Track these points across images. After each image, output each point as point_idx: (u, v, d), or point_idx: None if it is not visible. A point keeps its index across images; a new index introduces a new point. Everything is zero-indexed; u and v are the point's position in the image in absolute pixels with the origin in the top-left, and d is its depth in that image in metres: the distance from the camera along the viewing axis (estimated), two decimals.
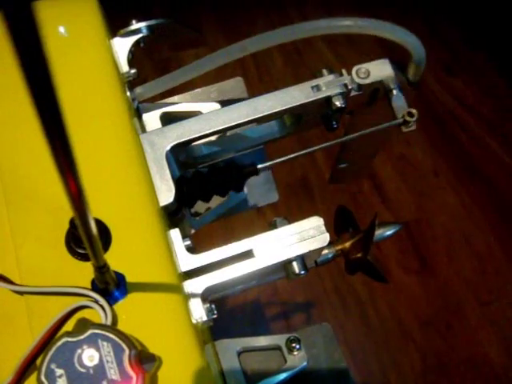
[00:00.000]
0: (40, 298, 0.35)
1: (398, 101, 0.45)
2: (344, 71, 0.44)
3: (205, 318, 0.38)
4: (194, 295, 0.38)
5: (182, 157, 0.43)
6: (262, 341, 0.45)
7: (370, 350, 1.23)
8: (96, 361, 0.30)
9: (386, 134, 0.51)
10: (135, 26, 0.46)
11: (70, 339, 0.30)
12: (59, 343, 0.30)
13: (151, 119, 0.45)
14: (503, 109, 1.53)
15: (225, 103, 0.47)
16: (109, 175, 0.38)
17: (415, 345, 1.25)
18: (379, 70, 0.44)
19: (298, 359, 0.44)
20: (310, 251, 0.40)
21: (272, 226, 0.42)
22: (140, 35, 0.46)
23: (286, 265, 0.42)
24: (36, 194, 0.38)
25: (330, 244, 0.50)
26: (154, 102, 0.48)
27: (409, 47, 0.42)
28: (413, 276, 1.32)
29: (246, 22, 1.65)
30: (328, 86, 0.43)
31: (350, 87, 0.44)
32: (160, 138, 0.41)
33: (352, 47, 1.59)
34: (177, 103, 0.47)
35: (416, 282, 1.31)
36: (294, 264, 0.41)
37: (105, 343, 0.30)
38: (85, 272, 0.36)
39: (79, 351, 0.30)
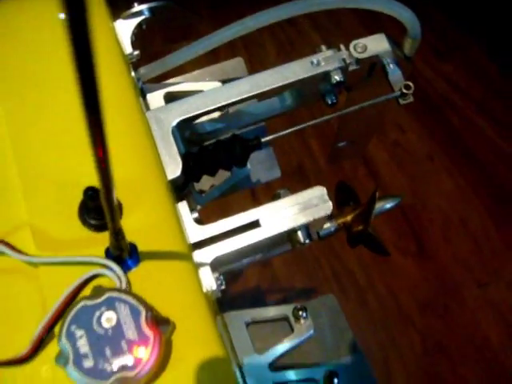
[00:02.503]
0: (54, 269, 0.36)
1: (395, 74, 0.46)
2: (342, 46, 0.45)
3: (214, 287, 0.39)
4: (203, 265, 0.39)
5: (186, 134, 0.44)
6: (270, 311, 0.47)
7: (370, 334, 1.25)
8: (114, 322, 0.31)
9: (383, 109, 0.53)
10: (137, 8, 0.47)
11: (88, 302, 0.32)
12: (78, 306, 0.31)
13: (155, 99, 0.46)
14: (494, 92, 1.55)
15: (226, 82, 0.48)
16: (118, 150, 0.39)
17: (415, 327, 1.26)
18: (376, 44, 0.45)
19: (304, 328, 0.45)
20: (314, 219, 0.41)
21: (276, 197, 0.43)
22: (142, 17, 0.47)
23: (290, 235, 0.43)
24: (48, 171, 0.39)
25: (332, 217, 0.51)
26: (157, 82, 0.49)
27: (405, 21, 0.44)
28: (410, 259, 1.33)
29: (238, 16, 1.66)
30: (327, 60, 0.45)
31: (348, 62, 0.45)
32: (165, 115, 0.42)
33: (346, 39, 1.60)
34: (179, 83, 0.48)
35: (414, 265, 1.33)
36: (299, 233, 0.42)
37: (122, 305, 0.31)
38: (97, 243, 0.37)
39: (98, 313, 0.31)
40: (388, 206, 0.53)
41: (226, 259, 0.41)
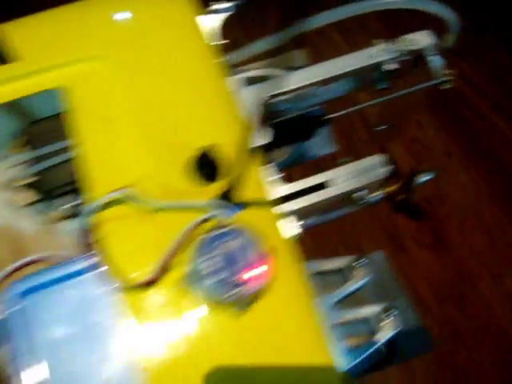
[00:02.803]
0: (172, 213, 0.46)
1: (437, 64, 0.56)
2: (393, 40, 0.55)
3: (298, 231, 0.49)
4: (287, 215, 0.49)
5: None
6: (327, 264, 0.56)
7: None
8: (237, 247, 0.41)
9: (420, 96, 0.62)
10: (225, 4, 0.57)
11: (214, 232, 0.41)
12: (206, 235, 0.41)
13: (238, 81, 0.56)
14: (509, 90, 1.64)
15: (293, 69, 0.58)
16: (218, 123, 0.50)
17: (432, 316, 1.34)
18: (422, 38, 0.55)
19: (360, 275, 0.54)
20: (376, 181, 0.51)
21: (340, 164, 0.53)
22: (230, 12, 0.57)
23: (352, 196, 0.53)
24: (166, 133, 0.49)
25: (380, 187, 0.61)
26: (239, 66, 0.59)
27: (447, 18, 0.54)
28: (428, 251, 1.42)
29: None
30: (382, 52, 0.55)
31: (399, 53, 0.55)
32: (254, 93, 0.53)
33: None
34: (255, 69, 0.58)
35: (431, 256, 1.41)
36: (360, 194, 0.52)
37: (243, 234, 0.41)
38: (207, 192, 0.47)
39: (224, 240, 0.41)
40: (424, 179, 0.63)
41: (303, 213, 0.51)
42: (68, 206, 0.51)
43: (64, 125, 0.52)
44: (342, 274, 0.56)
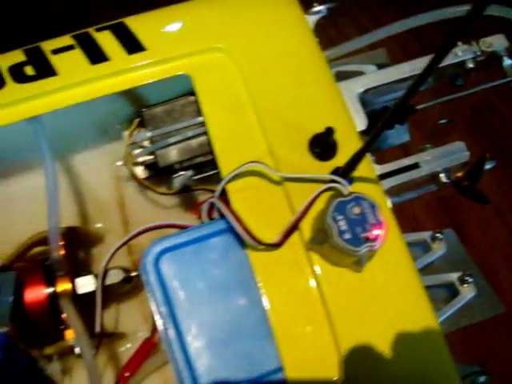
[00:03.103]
0: (295, 184, 0.53)
1: (509, 64, 0.64)
2: (473, 42, 0.63)
3: (390, 206, 0.56)
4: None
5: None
6: (408, 236, 0.64)
7: None
8: (360, 212, 0.48)
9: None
10: (318, 7, 0.64)
11: (342, 199, 0.49)
12: (336, 201, 0.48)
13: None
14: None
15: (378, 67, 0.66)
16: (329, 108, 0.57)
17: None
18: (498, 41, 0.63)
19: (439, 247, 0.62)
20: (456, 164, 0.59)
21: (425, 149, 0.61)
22: (322, 14, 0.65)
23: (435, 177, 0.60)
24: (284, 121, 0.56)
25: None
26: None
27: None
28: None
29: None
30: (463, 52, 0.62)
31: (477, 53, 0.63)
32: (352, 85, 0.60)
33: None
34: (343, 65, 0.66)
35: None
36: (442, 175, 0.60)
37: (364, 201, 0.49)
38: (321, 168, 0.54)
39: (349, 206, 0.48)
40: (488, 167, 0.71)
41: (393, 191, 0.59)
42: (199, 176, 0.58)
43: (175, 110, 0.59)
44: (418, 248, 0.64)
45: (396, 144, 0.68)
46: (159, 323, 0.50)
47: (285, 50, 0.59)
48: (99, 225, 0.65)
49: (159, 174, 0.61)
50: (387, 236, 0.49)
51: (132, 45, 0.58)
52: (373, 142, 0.45)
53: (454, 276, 0.60)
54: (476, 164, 0.68)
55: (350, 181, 0.53)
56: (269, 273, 0.50)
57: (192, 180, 0.60)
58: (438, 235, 0.62)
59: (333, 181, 0.51)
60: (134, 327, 0.62)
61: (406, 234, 0.62)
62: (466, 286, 0.59)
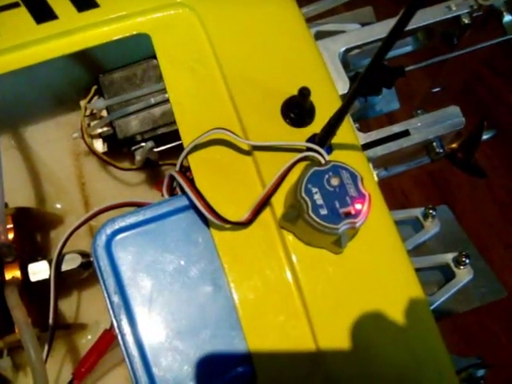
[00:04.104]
0: (265, 154, 0.45)
1: (509, 20, 0.55)
2: None
3: (376, 179, 0.48)
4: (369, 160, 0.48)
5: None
6: (399, 214, 0.55)
7: None
8: (339, 183, 0.40)
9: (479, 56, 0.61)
10: None
11: (318, 168, 0.40)
12: (311, 170, 0.40)
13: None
14: None
15: (363, 26, 0.57)
16: (306, 68, 0.48)
17: None
18: None
19: (432, 225, 0.54)
20: (451, 131, 0.50)
21: (415, 115, 0.52)
22: None
23: (428, 146, 0.52)
24: (254, 84, 0.47)
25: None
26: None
27: None
28: None
29: None
30: (458, 6, 0.53)
31: (474, 7, 0.54)
32: (333, 44, 0.51)
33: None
34: (325, 24, 0.57)
35: None
36: (435, 144, 0.51)
37: (343, 171, 0.40)
38: (296, 135, 0.46)
39: (326, 176, 0.40)
40: (485, 137, 0.62)
41: (381, 162, 0.50)
42: (160, 149, 0.49)
43: (137, 75, 0.51)
44: (410, 226, 0.56)
45: (384, 112, 0.60)
46: (111, 315, 0.42)
47: (256, 4, 0.50)
48: (58, 205, 0.57)
49: (119, 146, 0.53)
50: (371, 211, 0.41)
51: (82, 1, 0.49)
52: (351, 102, 0.37)
53: (448, 257, 0.52)
54: (472, 134, 0.60)
55: (329, 149, 0.45)
56: (236, 255, 0.42)
57: (154, 152, 0.52)
58: (430, 212, 0.54)
59: (309, 149, 0.43)
60: (96, 317, 0.54)
61: (395, 211, 0.54)
62: (462, 267, 0.51)
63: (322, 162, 0.42)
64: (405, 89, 0.67)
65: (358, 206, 0.39)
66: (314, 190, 0.39)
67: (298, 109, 0.45)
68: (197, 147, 0.45)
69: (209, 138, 0.45)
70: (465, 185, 1.45)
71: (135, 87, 0.52)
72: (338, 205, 0.39)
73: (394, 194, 1.44)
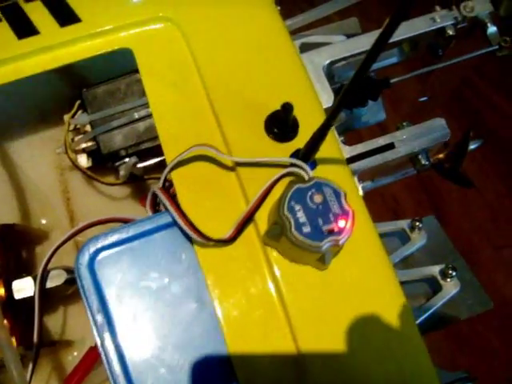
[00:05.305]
0: (249, 170, 0.44)
1: (493, 31, 0.54)
2: (454, 7, 0.53)
3: (361, 193, 0.47)
4: (353, 175, 0.47)
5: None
6: (386, 226, 0.54)
7: None
8: (322, 200, 0.39)
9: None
10: None
11: (301, 185, 0.39)
12: (294, 188, 0.39)
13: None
14: (506, 68, 1.61)
15: (349, 37, 0.56)
16: (290, 83, 0.47)
17: None
18: (481, 5, 0.53)
19: (419, 237, 0.53)
20: (436, 143, 0.49)
21: (401, 127, 0.51)
22: None
23: (413, 159, 0.51)
24: (237, 98, 0.46)
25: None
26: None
27: None
28: None
29: None
30: (442, 18, 0.53)
31: (459, 19, 0.53)
32: (318, 57, 0.50)
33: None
34: (311, 35, 0.56)
35: None
36: (421, 156, 0.50)
37: (326, 188, 0.39)
38: (280, 150, 0.44)
39: (309, 193, 0.39)
40: (473, 146, 0.61)
41: (366, 176, 0.49)
42: (143, 164, 0.48)
43: (120, 90, 0.50)
44: (397, 238, 0.55)
45: (371, 123, 0.59)
46: (95, 334, 0.41)
47: (240, 18, 0.49)
48: (43, 221, 0.56)
49: (104, 161, 0.51)
50: (356, 226, 0.40)
51: (65, 16, 0.48)
52: (334, 118, 0.36)
53: (435, 269, 0.51)
54: (459, 144, 0.59)
55: (313, 164, 0.44)
56: (220, 272, 0.41)
57: (139, 168, 0.50)
58: (417, 224, 0.53)
59: (293, 165, 0.42)
60: (82, 333, 0.53)
61: (381, 223, 0.53)
62: (449, 280, 0.50)
63: (306, 177, 0.41)
64: (393, 96, 0.66)
65: (342, 224, 0.38)
66: (297, 207, 0.38)
67: (281, 124, 0.44)
68: (180, 163, 0.44)
69: (192, 154, 0.43)
70: (455, 188, 1.44)
71: (119, 102, 0.51)
72: (321, 222, 0.38)
73: (385, 200, 1.43)
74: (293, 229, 0.38)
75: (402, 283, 0.46)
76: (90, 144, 0.51)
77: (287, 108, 0.42)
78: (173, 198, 0.42)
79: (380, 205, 1.40)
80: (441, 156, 0.60)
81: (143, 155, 0.51)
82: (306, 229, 0.38)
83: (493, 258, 1.35)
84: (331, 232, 0.38)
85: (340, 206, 0.39)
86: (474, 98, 1.54)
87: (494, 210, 1.41)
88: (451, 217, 1.42)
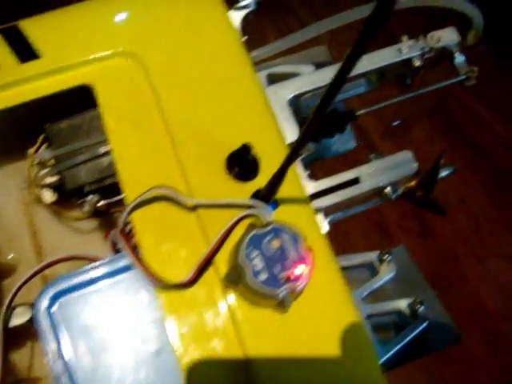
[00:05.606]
0: (209, 211, 0.43)
1: (461, 61, 0.53)
2: (421, 37, 0.52)
3: (327, 229, 0.46)
4: (318, 212, 0.46)
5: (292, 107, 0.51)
6: (355, 258, 0.53)
7: None
8: (280, 246, 0.38)
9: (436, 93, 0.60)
10: (246, 1, 0.54)
11: (258, 231, 0.38)
12: (251, 234, 0.38)
13: (259, 78, 0.53)
14: (490, 79, 1.60)
15: (317, 66, 0.55)
16: (252, 120, 0.46)
17: None
18: (448, 36, 0.53)
19: (388, 269, 0.52)
20: (403, 177, 0.49)
21: (369, 160, 0.50)
22: (250, 9, 0.54)
23: (380, 191, 0.50)
24: (198, 136, 0.45)
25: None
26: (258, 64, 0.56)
27: (471, 15, 0.51)
28: (413, 238, 1.40)
29: None
30: (409, 48, 0.52)
31: (425, 50, 0.52)
32: (283, 90, 0.49)
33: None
34: (278, 65, 0.55)
35: (417, 243, 1.39)
36: (388, 189, 0.50)
37: (284, 233, 0.38)
38: (241, 190, 0.44)
39: (266, 239, 0.38)
40: (444, 173, 0.61)
41: (332, 209, 0.48)
42: (105, 202, 0.47)
43: (84, 125, 0.49)
44: (366, 269, 0.54)
45: (341, 152, 0.58)
46: (54, 378, 0.40)
47: (202, 53, 0.48)
48: (10, 255, 0.54)
49: (69, 196, 0.50)
50: (317, 267, 0.39)
51: (25, 52, 0.47)
52: (292, 160, 0.35)
53: (403, 304, 0.50)
54: (430, 171, 0.58)
55: (275, 204, 0.43)
56: (180, 315, 0.41)
57: (103, 204, 0.49)
58: (385, 257, 0.52)
59: (253, 206, 0.41)
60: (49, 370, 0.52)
61: (349, 255, 0.53)
62: (416, 314, 0.49)
63: (266, 219, 0.40)
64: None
65: (299, 270, 0.37)
66: (254, 253, 0.37)
67: (242, 163, 0.43)
68: (140, 204, 0.43)
69: (152, 194, 0.42)
70: (438, 200, 1.43)
71: (83, 136, 0.50)
72: (278, 269, 0.37)
73: (368, 212, 1.42)
74: (249, 276, 0.37)
75: (370, 316, 0.46)
76: (54, 179, 0.50)
77: (246, 148, 0.41)
78: (133, 239, 0.41)
79: (363, 217, 1.40)
80: (412, 184, 0.59)
81: (108, 190, 0.50)
82: (263, 276, 0.37)
83: (477, 269, 1.35)
84: (288, 279, 0.37)
85: (298, 252, 0.38)
86: (456, 108, 1.54)
87: (476, 221, 1.41)
88: (434, 227, 1.41)
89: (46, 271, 0.49)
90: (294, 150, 0.34)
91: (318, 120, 0.30)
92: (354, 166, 0.49)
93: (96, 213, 0.52)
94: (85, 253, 0.47)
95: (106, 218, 0.56)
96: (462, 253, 1.38)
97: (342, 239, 1.39)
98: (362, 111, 0.51)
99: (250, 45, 0.54)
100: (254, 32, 0.52)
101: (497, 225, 1.40)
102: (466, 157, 1.48)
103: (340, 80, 0.28)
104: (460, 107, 1.54)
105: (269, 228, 0.38)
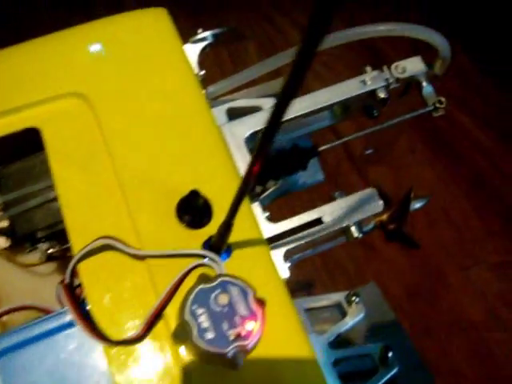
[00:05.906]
0: (159, 261, 0.41)
1: (428, 91, 0.51)
2: (385, 68, 0.50)
3: (287, 275, 0.44)
4: (277, 256, 0.44)
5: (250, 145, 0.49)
6: (323, 300, 0.51)
7: None
8: (228, 301, 0.35)
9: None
10: (203, 34, 0.51)
11: (204, 286, 0.36)
12: (197, 289, 0.36)
13: (218, 113, 0.50)
14: (473, 88, 1.59)
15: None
16: (205, 163, 0.44)
17: (403, 313, 1.30)
18: (413, 66, 0.50)
19: (357, 311, 0.49)
20: (367, 216, 0.46)
21: (333, 198, 0.48)
22: (207, 42, 0.51)
23: (346, 230, 0.48)
24: (148, 181, 0.43)
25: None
26: (217, 98, 0.53)
27: (438, 45, 0.49)
28: (396, 247, 1.37)
29: None
30: (373, 80, 0.49)
31: (390, 81, 0.50)
32: (239, 128, 0.47)
33: None
34: (238, 99, 0.52)
35: (400, 253, 1.36)
36: (353, 229, 0.47)
37: (233, 287, 0.36)
38: (193, 238, 0.41)
39: (214, 294, 0.36)
40: (417, 205, 0.58)
41: (295, 251, 0.46)
42: (54, 250, 0.45)
43: (36, 167, 0.46)
44: (336, 310, 0.51)
45: (308, 185, 0.55)
46: None
47: (155, 93, 0.46)
48: None
49: (21, 242, 0.48)
50: (274, 317, 0.37)
51: None
52: (236, 208, 0.33)
53: (372, 349, 0.47)
54: (401, 205, 0.56)
55: (228, 252, 0.40)
56: (129, 373, 0.38)
57: (57, 250, 0.47)
58: (353, 298, 0.49)
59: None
60: None
61: (316, 297, 0.50)
62: (386, 360, 0.46)
63: (217, 270, 0.38)
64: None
65: (249, 327, 0.35)
66: (200, 311, 0.35)
67: (192, 210, 0.40)
68: (86, 255, 0.40)
69: (99, 244, 0.40)
70: (421, 210, 1.40)
71: (33, 180, 0.48)
72: (226, 326, 0.35)
73: None
74: (195, 335, 0.34)
75: (339, 361, 0.43)
76: (5, 225, 0.48)
77: (194, 194, 0.39)
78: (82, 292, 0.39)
79: None
80: (383, 217, 0.57)
81: (62, 235, 0.47)
82: (210, 335, 0.35)
83: (459, 279, 1.32)
84: (238, 337, 0.35)
85: (247, 307, 0.35)
86: (439, 117, 1.51)
87: (459, 230, 1.38)
88: (418, 238, 1.38)
89: (4, 318, 0.46)
90: (238, 199, 0.32)
91: (258, 164, 0.28)
92: (319, 202, 0.46)
93: (52, 257, 0.50)
94: (35, 304, 0.45)
95: (64, 261, 0.53)
96: (444, 262, 1.35)
97: (325, 255, 1.36)
98: (325, 146, 0.48)
99: (209, 79, 0.51)
100: (213, 66, 0.50)
101: (479, 233, 1.38)
102: (448, 166, 1.46)
103: (272, 128, 0.25)
104: (443, 116, 1.52)
105: (216, 282, 0.36)
